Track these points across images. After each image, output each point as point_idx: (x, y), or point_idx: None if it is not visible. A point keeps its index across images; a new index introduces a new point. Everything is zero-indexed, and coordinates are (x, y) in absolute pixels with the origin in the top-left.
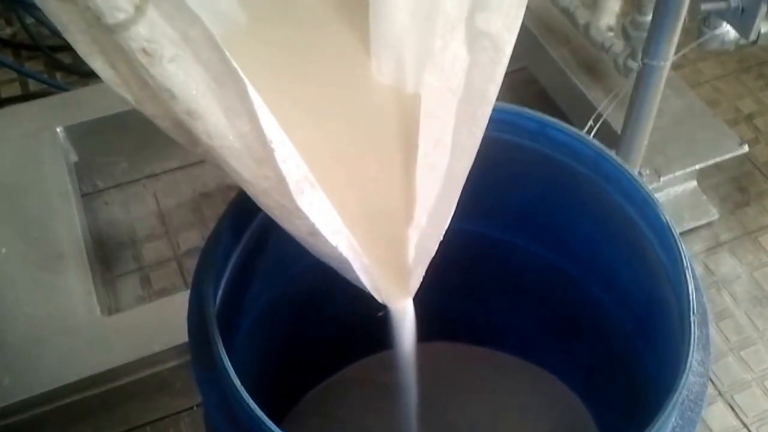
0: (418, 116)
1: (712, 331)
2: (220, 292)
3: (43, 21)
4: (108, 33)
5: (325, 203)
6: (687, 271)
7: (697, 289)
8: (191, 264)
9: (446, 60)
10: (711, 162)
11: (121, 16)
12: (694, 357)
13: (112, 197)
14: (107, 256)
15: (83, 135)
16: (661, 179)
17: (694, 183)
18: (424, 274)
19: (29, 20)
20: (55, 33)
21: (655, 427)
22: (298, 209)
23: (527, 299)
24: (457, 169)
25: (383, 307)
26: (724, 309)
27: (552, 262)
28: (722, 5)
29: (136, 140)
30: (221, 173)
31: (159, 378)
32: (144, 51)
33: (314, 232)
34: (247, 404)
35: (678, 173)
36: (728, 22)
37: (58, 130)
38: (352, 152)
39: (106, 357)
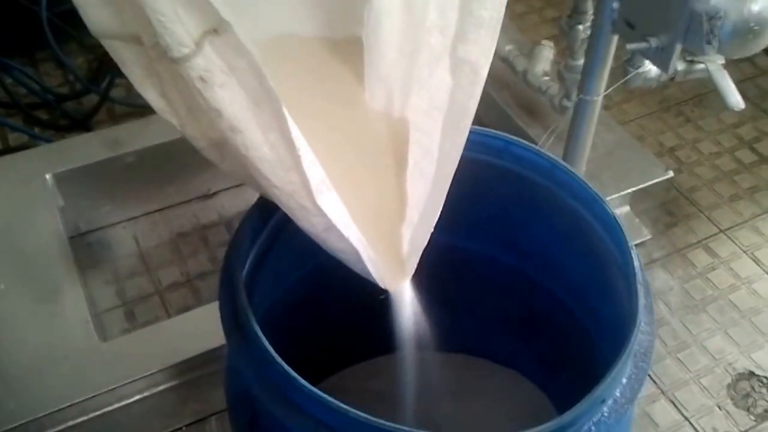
0: (406, 134)
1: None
2: None
3: (20, 81)
4: (171, 65)
5: (338, 203)
6: (632, 251)
7: (640, 266)
8: (174, 297)
9: (433, 84)
10: (641, 186)
11: (185, 51)
12: (642, 318)
13: (94, 239)
14: (92, 294)
15: (69, 181)
16: None
17: (628, 208)
18: (417, 261)
19: (8, 80)
20: (32, 92)
21: (612, 374)
22: (317, 208)
23: (492, 302)
24: (444, 173)
25: (385, 292)
26: (661, 318)
27: (515, 266)
28: (644, 45)
29: (116, 186)
30: (197, 214)
31: (153, 398)
32: (201, 78)
33: (329, 228)
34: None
35: (613, 197)
36: (650, 59)
37: (47, 177)
38: (354, 163)
39: (106, 379)
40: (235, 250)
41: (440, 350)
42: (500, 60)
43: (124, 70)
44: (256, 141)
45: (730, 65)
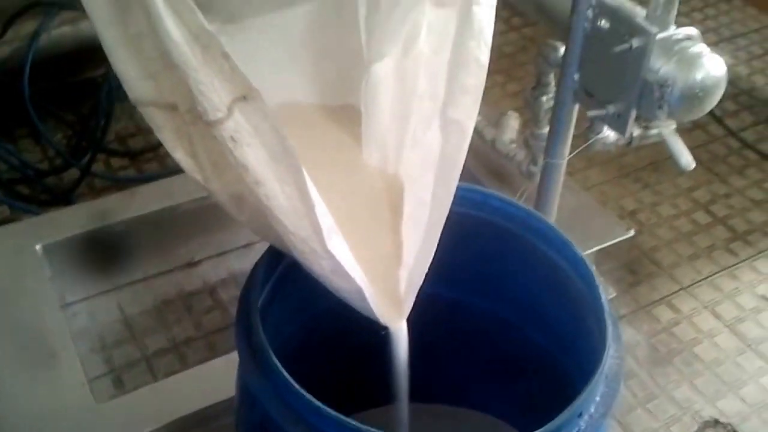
0: (401, 186)
1: (622, 388)
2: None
3: (2, 156)
4: (205, 127)
5: (345, 247)
6: (600, 288)
7: (608, 301)
8: (160, 363)
9: (425, 142)
10: (605, 245)
11: (219, 115)
12: (611, 346)
13: (80, 309)
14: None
15: (57, 252)
16: None
17: (593, 267)
18: (413, 300)
19: None
20: (13, 167)
21: (587, 391)
22: (327, 251)
23: (472, 348)
24: (436, 220)
25: (384, 328)
26: (630, 370)
27: (493, 310)
28: (603, 112)
29: (102, 256)
30: (181, 282)
31: None
32: (231, 138)
33: (336, 270)
34: (298, 391)
35: None
36: (609, 125)
37: (36, 248)
38: (356, 213)
39: None
40: (249, 291)
41: (420, 401)
42: None
43: (158, 133)
44: (275, 192)
45: (685, 133)
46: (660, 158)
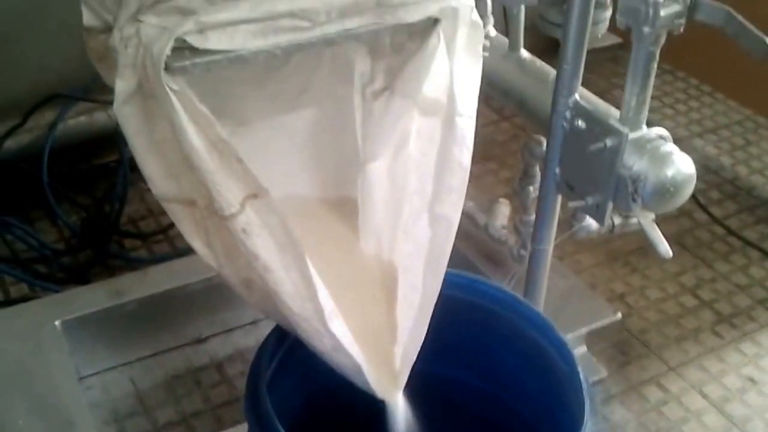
0: (395, 272)
1: None
2: None
3: (19, 237)
4: (220, 221)
5: (345, 328)
6: (578, 368)
7: (586, 379)
8: None
9: (416, 233)
10: (593, 327)
11: (232, 210)
12: (589, 419)
13: (94, 382)
14: None
15: (75, 328)
16: None
17: (584, 348)
18: (408, 375)
19: (7, 236)
20: (31, 247)
21: None
22: (329, 331)
23: (462, 420)
24: (427, 302)
25: (382, 401)
26: None
27: (482, 386)
28: (582, 203)
29: (116, 332)
30: (190, 358)
31: None
32: (243, 231)
33: (337, 347)
34: None
35: (568, 336)
36: (589, 215)
37: (56, 323)
38: (354, 296)
39: None
40: (257, 366)
41: None
42: (463, 215)
43: (178, 224)
44: (282, 278)
45: (671, 220)
46: (648, 244)
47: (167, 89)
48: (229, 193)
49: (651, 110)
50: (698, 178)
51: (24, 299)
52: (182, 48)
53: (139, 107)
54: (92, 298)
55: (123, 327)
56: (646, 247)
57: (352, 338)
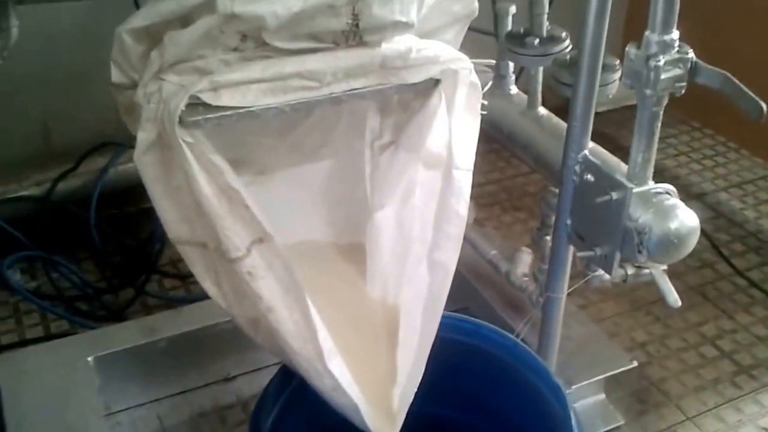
0: (397, 316)
1: None
2: None
3: (64, 275)
4: (228, 263)
5: (344, 368)
6: (571, 412)
7: (578, 422)
8: None
9: (416, 279)
10: (609, 374)
11: (239, 254)
12: None
13: (123, 418)
14: None
15: (107, 364)
16: (573, 387)
17: (603, 396)
18: (404, 416)
19: (54, 274)
20: (75, 285)
21: None
22: (328, 371)
23: None
24: (424, 345)
25: None
26: None
27: (480, 428)
28: (591, 253)
29: (146, 369)
30: (217, 396)
31: None
32: (249, 273)
33: (336, 387)
34: None
35: (585, 383)
36: (598, 265)
37: (89, 359)
38: (356, 337)
39: None
40: (260, 407)
41: None
42: (487, 262)
43: (190, 265)
44: (284, 318)
45: (695, 271)
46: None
47: (181, 141)
48: (236, 237)
49: (679, 165)
50: (722, 230)
51: (64, 335)
52: (197, 104)
53: (157, 157)
54: (125, 335)
55: (153, 364)
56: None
57: (351, 379)
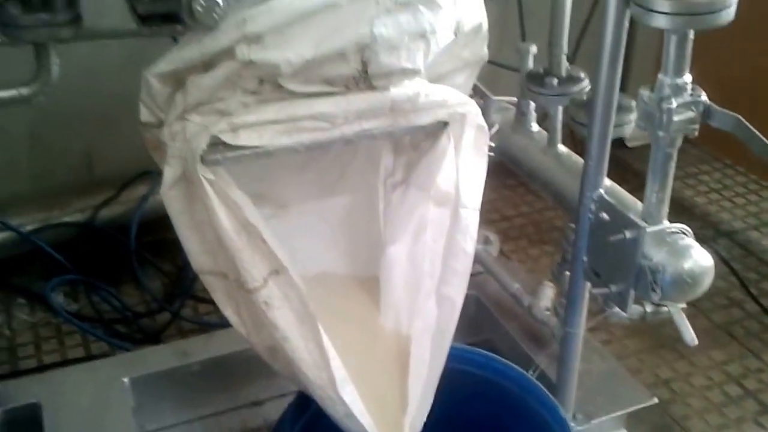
0: (408, 347)
1: None
2: None
3: (104, 298)
4: (245, 293)
5: (356, 396)
6: None
7: None
8: None
9: (426, 312)
10: (629, 410)
11: (256, 284)
12: None
13: None
14: None
15: (142, 386)
16: (593, 422)
17: (624, 431)
18: None
19: (94, 297)
20: (114, 308)
21: None
22: (340, 398)
23: None
24: (434, 374)
25: None
26: None
27: None
28: (606, 290)
29: (180, 391)
30: (245, 420)
31: None
32: (265, 303)
33: (348, 414)
34: None
35: (605, 418)
36: (613, 302)
37: (124, 380)
38: (368, 366)
39: None
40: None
41: None
42: (510, 295)
43: (212, 294)
44: (299, 347)
45: (722, 309)
46: (695, 331)
47: (202, 178)
48: (254, 269)
49: (710, 202)
50: (752, 269)
51: (102, 355)
52: (217, 143)
53: (182, 192)
54: (160, 357)
55: (186, 386)
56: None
57: (363, 406)
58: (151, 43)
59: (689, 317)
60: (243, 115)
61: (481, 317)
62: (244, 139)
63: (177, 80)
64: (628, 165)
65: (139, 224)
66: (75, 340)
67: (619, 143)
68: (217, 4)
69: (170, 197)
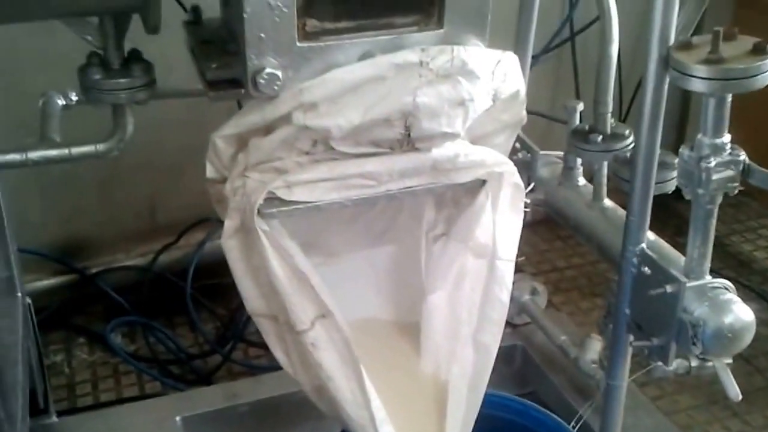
0: (446, 391)
1: None
2: None
3: (160, 340)
4: (294, 334)
5: None
6: None
7: None
8: None
9: (463, 358)
10: None
11: (304, 327)
12: None
13: None
14: None
15: (193, 425)
16: None
17: None
18: None
19: (151, 339)
20: (169, 350)
21: None
22: None
23: None
24: (470, 418)
25: None
26: None
27: None
28: (647, 343)
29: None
30: None
31: None
32: (312, 344)
33: None
34: None
35: None
36: (655, 355)
37: (177, 419)
38: (408, 408)
39: None
40: None
41: None
42: (556, 348)
43: (264, 336)
44: (342, 387)
45: None
46: (751, 389)
47: (258, 229)
48: (302, 312)
49: None
50: None
51: (156, 395)
52: (273, 198)
53: (240, 241)
54: (211, 398)
55: (235, 427)
56: (748, 392)
57: None
58: (209, 105)
59: (746, 375)
60: (297, 174)
61: (528, 369)
62: (298, 194)
63: (240, 142)
64: (682, 216)
65: (196, 269)
66: (131, 379)
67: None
68: (278, 77)
69: (229, 246)
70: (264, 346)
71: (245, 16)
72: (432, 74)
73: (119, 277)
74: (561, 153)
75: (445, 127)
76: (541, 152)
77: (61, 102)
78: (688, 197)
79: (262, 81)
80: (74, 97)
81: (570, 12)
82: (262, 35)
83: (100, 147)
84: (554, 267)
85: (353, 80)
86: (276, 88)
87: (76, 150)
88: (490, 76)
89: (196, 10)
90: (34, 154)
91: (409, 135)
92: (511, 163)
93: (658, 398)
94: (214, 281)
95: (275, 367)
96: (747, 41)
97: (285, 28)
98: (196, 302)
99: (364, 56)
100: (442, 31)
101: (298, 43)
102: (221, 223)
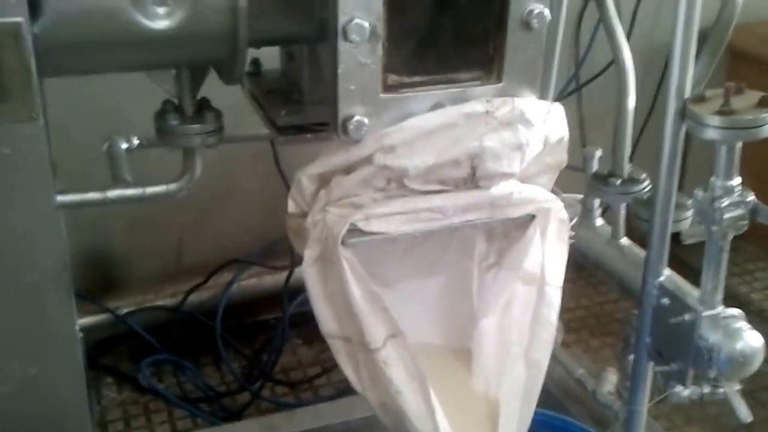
0: (497, 408)
1: None
2: None
3: (190, 378)
4: (367, 353)
5: None
6: None
7: None
8: None
9: (515, 375)
10: None
11: (377, 345)
12: None
13: None
14: None
15: None
16: None
17: None
18: None
19: (181, 377)
20: (198, 388)
21: None
22: None
23: None
24: (522, 430)
25: None
26: None
27: None
28: (667, 368)
29: None
30: None
31: None
32: (384, 362)
33: None
34: None
35: None
36: (674, 379)
37: None
38: (462, 423)
39: None
40: None
41: None
42: (574, 381)
43: (336, 355)
44: (409, 400)
45: None
46: (757, 419)
47: (342, 257)
48: (376, 332)
49: (766, 298)
50: None
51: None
52: (353, 230)
53: (319, 269)
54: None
55: None
56: (753, 424)
57: None
58: (237, 151)
59: (748, 408)
60: (375, 208)
61: (546, 402)
62: (375, 226)
63: (321, 180)
64: (685, 261)
65: (224, 309)
66: (161, 417)
67: (675, 240)
68: (364, 123)
69: (309, 274)
70: (290, 385)
71: (339, 72)
72: (496, 122)
73: (149, 316)
74: (580, 196)
75: (505, 167)
76: (563, 194)
77: (124, 146)
78: (689, 242)
79: (351, 127)
80: (136, 141)
81: (576, 71)
82: (353, 87)
83: (171, 187)
84: (565, 308)
85: (428, 127)
86: (362, 133)
87: (150, 190)
88: (542, 124)
89: (256, 63)
90: (113, 194)
91: (474, 174)
92: (558, 200)
93: (669, 430)
94: (239, 321)
95: (303, 404)
96: (754, 95)
97: (371, 82)
98: (224, 341)
99: (435, 106)
100: (501, 84)
101: (381, 95)
102: (248, 263)
